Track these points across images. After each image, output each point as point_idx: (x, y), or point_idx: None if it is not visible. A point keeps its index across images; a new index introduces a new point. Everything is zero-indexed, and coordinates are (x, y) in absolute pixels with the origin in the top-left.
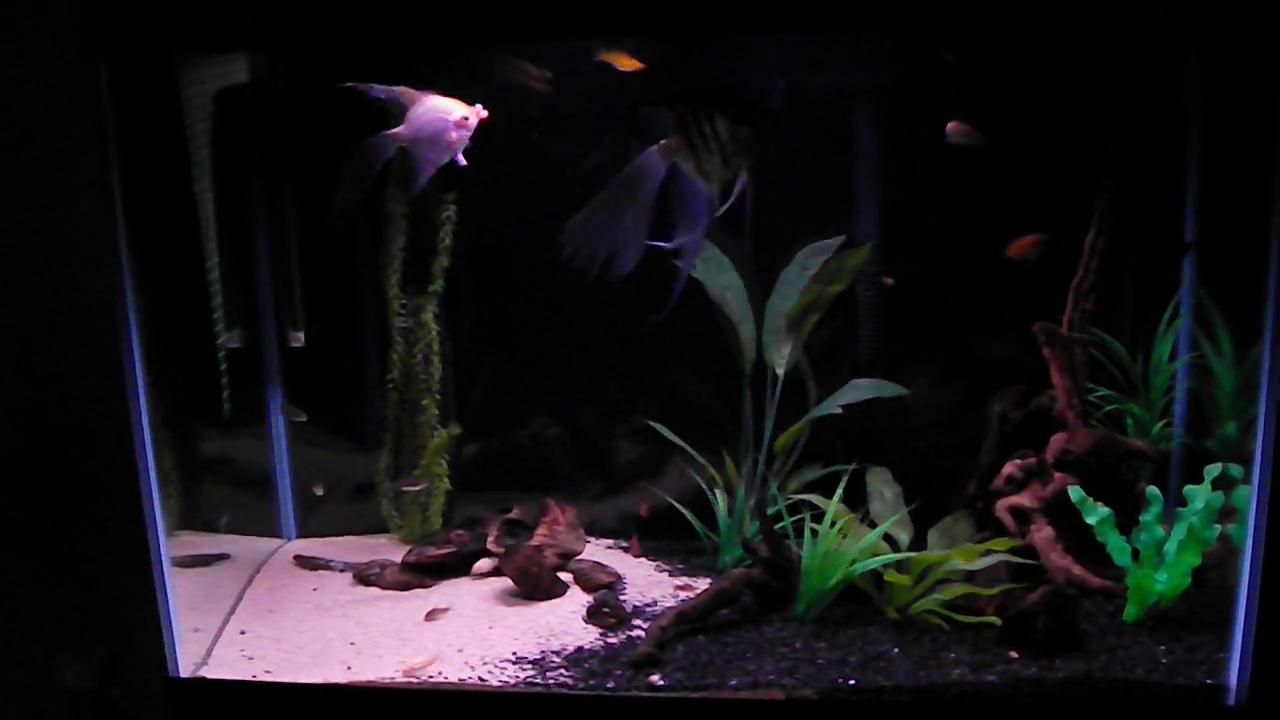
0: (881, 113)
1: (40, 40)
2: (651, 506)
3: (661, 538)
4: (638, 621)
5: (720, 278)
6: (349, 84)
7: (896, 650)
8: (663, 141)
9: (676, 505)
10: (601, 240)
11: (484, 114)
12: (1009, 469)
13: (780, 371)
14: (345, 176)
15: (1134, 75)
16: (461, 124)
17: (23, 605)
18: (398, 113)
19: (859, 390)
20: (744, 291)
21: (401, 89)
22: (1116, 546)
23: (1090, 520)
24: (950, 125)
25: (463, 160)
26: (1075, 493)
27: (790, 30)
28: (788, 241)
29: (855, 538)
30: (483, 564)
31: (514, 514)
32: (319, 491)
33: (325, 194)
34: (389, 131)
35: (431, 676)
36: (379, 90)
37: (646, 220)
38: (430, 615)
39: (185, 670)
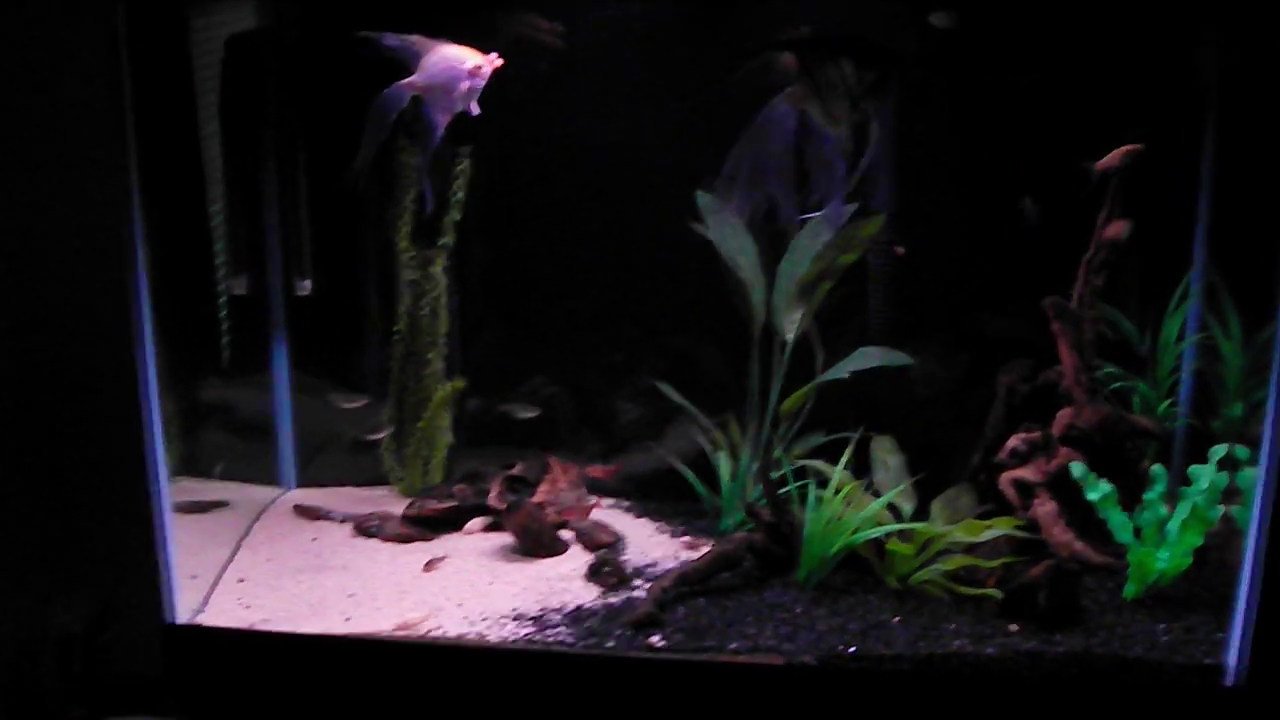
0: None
1: None
2: (616, 471)
3: (664, 499)
4: (638, 582)
5: (733, 240)
6: (362, 33)
7: (897, 619)
8: (789, 90)
9: (679, 466)
10: (756, 191)
11: (498, 62)
12: (1014, 442)
13: (789, 337)
14: (365, 132)
15: (1148, 52)
16: (475, 72)
17: (16, 549)
18: (410, 64)
19: (867, 358)
20: (756, 255)
21: (415, 37)
22: (1118, 523)
23: (1092, 497)
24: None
25: (476, 109)
26: (1077, 469)
27: None
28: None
29: (858, 506)
30: (474, 523)
31: (516, 470)
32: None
33: (338, 146)
34: (403, 82)
35: (429, 632)
36: (392, 39)
37: (791, 169)
38: (429, 565)
39: (182, 617)
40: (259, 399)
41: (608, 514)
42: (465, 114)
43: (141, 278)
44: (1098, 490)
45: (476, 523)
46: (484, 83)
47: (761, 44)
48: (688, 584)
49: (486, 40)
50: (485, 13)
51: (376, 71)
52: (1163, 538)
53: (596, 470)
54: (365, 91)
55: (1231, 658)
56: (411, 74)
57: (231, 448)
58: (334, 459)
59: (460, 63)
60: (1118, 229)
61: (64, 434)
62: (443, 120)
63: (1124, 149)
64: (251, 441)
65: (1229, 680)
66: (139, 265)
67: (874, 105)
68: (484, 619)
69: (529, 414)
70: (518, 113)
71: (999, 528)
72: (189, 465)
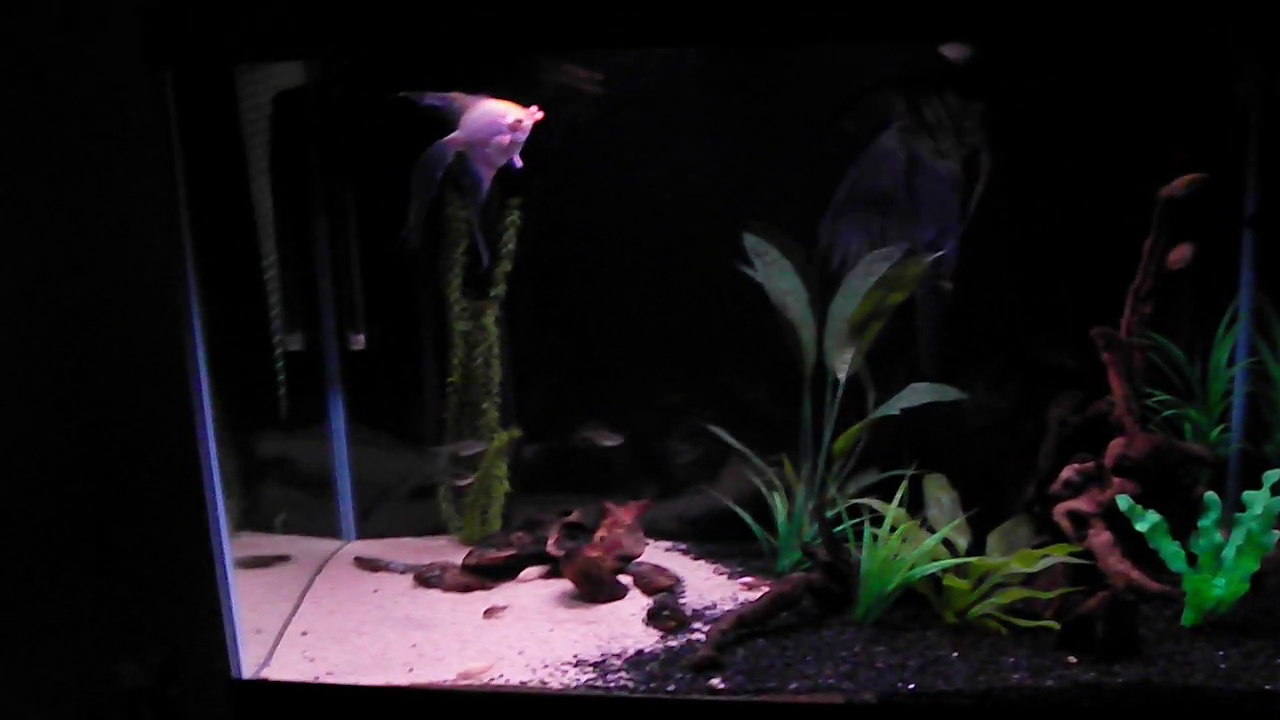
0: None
1: (106, 50)
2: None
3: (720, 540)
4: (697, 624)
5: (781, 281)
6: (402, 94)
7: (955, 654)
8: (896, 124)
9: (735, 508)
10: (866, 229)
11: (539, 115)
12: (1067, 473)
13: (842, 377)
14: (414, 192)
15: (1192, 79)
16: (516, 126)
17: (84, 606)
18: (453, 119)
19: (917, 394)
20: (805, 295)
21: (454, 95)
22: (1170, 552)
23: (1140, 528)
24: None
25: (519, 162)
26: (1123, 501)
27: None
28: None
29: (914, 542)
30: (530, 571)
31: (574, 516)
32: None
33: (390, 204)
34: (445, 139)
35: (491, 680)
36: (432, 98)
37: (901, 204)
38: (489, 613)
39: (248, 671)
40: (318, 452)
41: (665, 557)
42: (509, 167)
43: (197, 335)
44: (1146, 521)
45: (533, 570)
46: (525, 136)
47: (865, 85)
48: (746, 625)
49: (527, 93)
50: (526, 65)
51: (424, 126)
52: (1219, 564)
53: (630, 510)
54: (413, 147)
55: None
56: (454, 130)
57: (292, 501)
58: (394, 510)
59: (501, 117)
60: (1181, 253)
61: (129, 492)
62: (487, 174)
63: (1188, 177)
64: (312, 495)
65: None
66: (195, 323)
67: (982, 138)
68: (545, 666)
69: (613, 441)
70: (565, 161)
71: (1054, 555)
72: (251, 519)
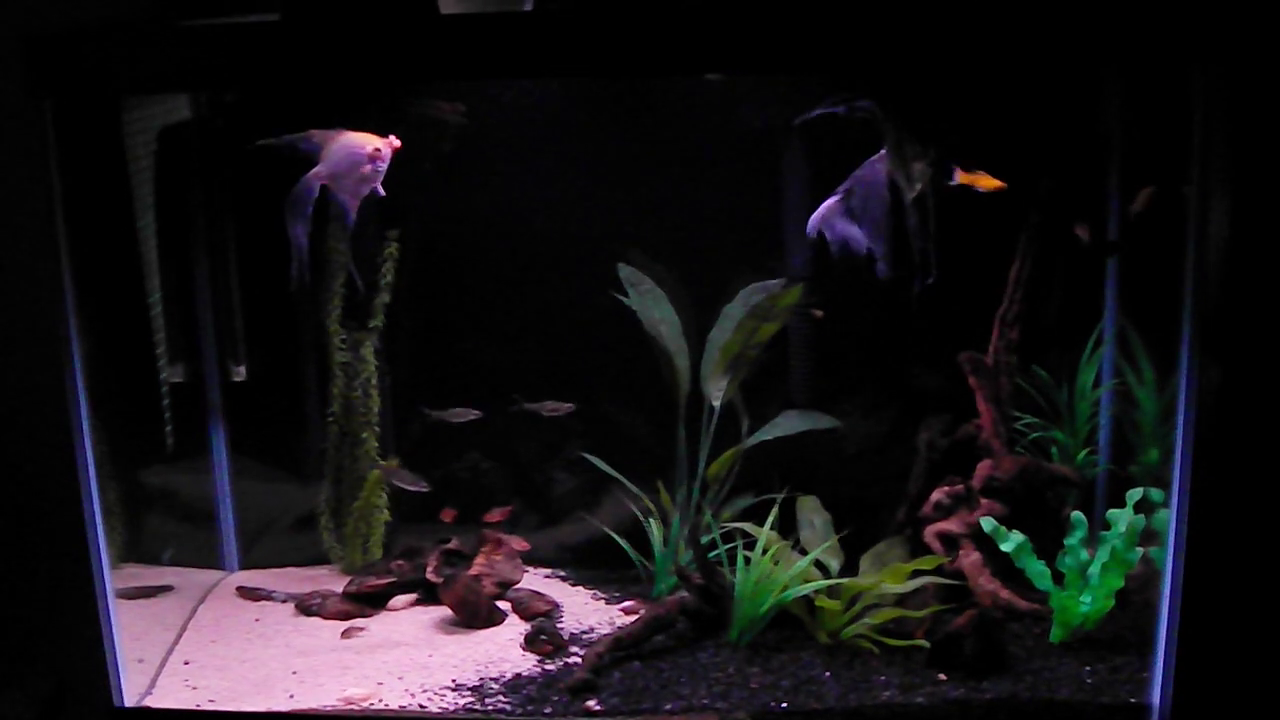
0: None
1: None
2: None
3: (599, 567)
4: (575, 648)
5: (655, 310)
6: (260, 142)
7: (828, 674)
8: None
9: (613, 535)
10: (850, 237)
11: (396, 144)
12: (937, 495)
13: (716, 404)
14: (288, 227)
15: (1057, 107)
16: (375, 155)
17: None
18: (315, 155)
19: (791, 422)
20: (678, 325)
21: (311, 132)
22: (1036, 572)
23: (1006, 548)
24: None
25: (382, 190)
26: (988, 523)
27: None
28: (723, 275)
29: (787, 564)
30: (397, 600)
31: (452, 544)
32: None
33: (267, 234)
34: (309, 174)
35: (371, 706)
36: (290, 139)
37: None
38: (346, 634)
39: (130, 700)
40: (202, 483)
41: (545, 584)
42: (374, 195)
43: (77, 366)
44: (1010, 541)
45: (400, 600)
46: (385, 165)
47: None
48: (622, 648)
49: (395, 126)
50: (391, 100)
51: (299, 163)
52: (1085, 582)
53: (494, 515)
54: (288, 183)
55: (1155, 696)
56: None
57: (176, 532)
58: (277, 540)
59: (360, 148)
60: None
61: (9, 523)
62: (352, 204)
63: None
64: (196, 525)
65: (1154, 718)
66: (75, 357)
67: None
68: (424, 690)
69: (417, 488)
70: (441, 194)
71: (923, 568)
72: (135, 551)
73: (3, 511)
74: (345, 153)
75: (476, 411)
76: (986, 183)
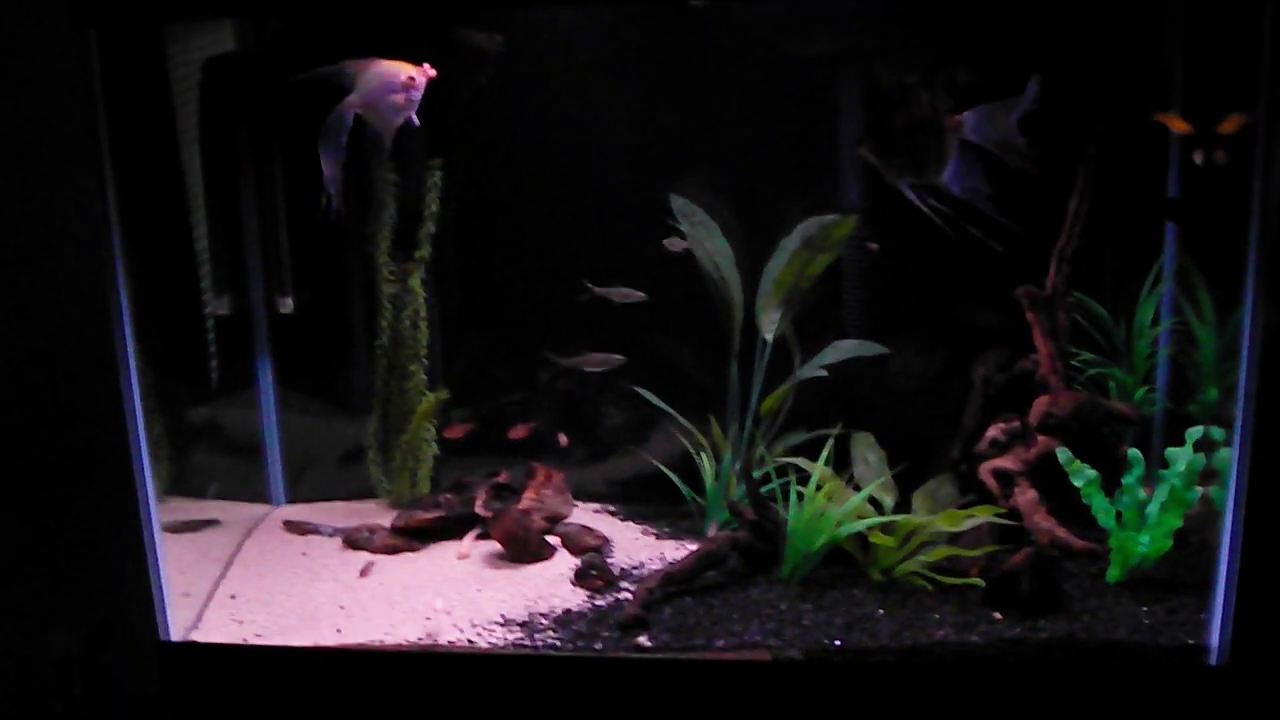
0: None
1: (30, 9)
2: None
3: (649, 502)
4: (625, 584)
5: (709, 243)
6: (294, 77)
7: (881, 611)
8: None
9: (663, 469)
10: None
11: (432, 73)
12: (993, 432)
13: (769, 338)
14: (322, 158)
15: (1116, 39)
16: (410, 84)
17: (12, 575)
18: (349, 85)
19: (841, 350)
20: (732, 257)
21: (345, 62)
22: (1101, 509)
23: (1077, 483)
24: None
25: (416, 120)
26: (1063, 454)
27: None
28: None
29: (840, 501)
30: (465, 542)
31: (501, 478)
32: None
33: (314, 165)
34: (343, 103)
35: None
36: (326, 70)
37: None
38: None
39: (176, 634)
40: (248, 417)
41: (594, 518)
42: (409, 125)
43: (124, 301)
44: (1082, 476)
45: (469, 538)
46: (420, 94)
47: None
48: (674, 584)
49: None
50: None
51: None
52: (1143, 521)
53: (517, 432)
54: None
55: (1214, 638)
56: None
57: (222, 466)
58: (324, 474)
59: (394, 76)
60: (1234, 122)
61: (55, 460)
62: (387, 133)
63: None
64: (242, 460)
65: (1212, 660)
66: (121, 291)
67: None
68: (473, 625)
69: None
70: (490, 123)
71: (979, 516)
72: (180, 485)
73: (50, 447)
74: (379, 81)
75: (619, 356)
76: (1179, 125)
